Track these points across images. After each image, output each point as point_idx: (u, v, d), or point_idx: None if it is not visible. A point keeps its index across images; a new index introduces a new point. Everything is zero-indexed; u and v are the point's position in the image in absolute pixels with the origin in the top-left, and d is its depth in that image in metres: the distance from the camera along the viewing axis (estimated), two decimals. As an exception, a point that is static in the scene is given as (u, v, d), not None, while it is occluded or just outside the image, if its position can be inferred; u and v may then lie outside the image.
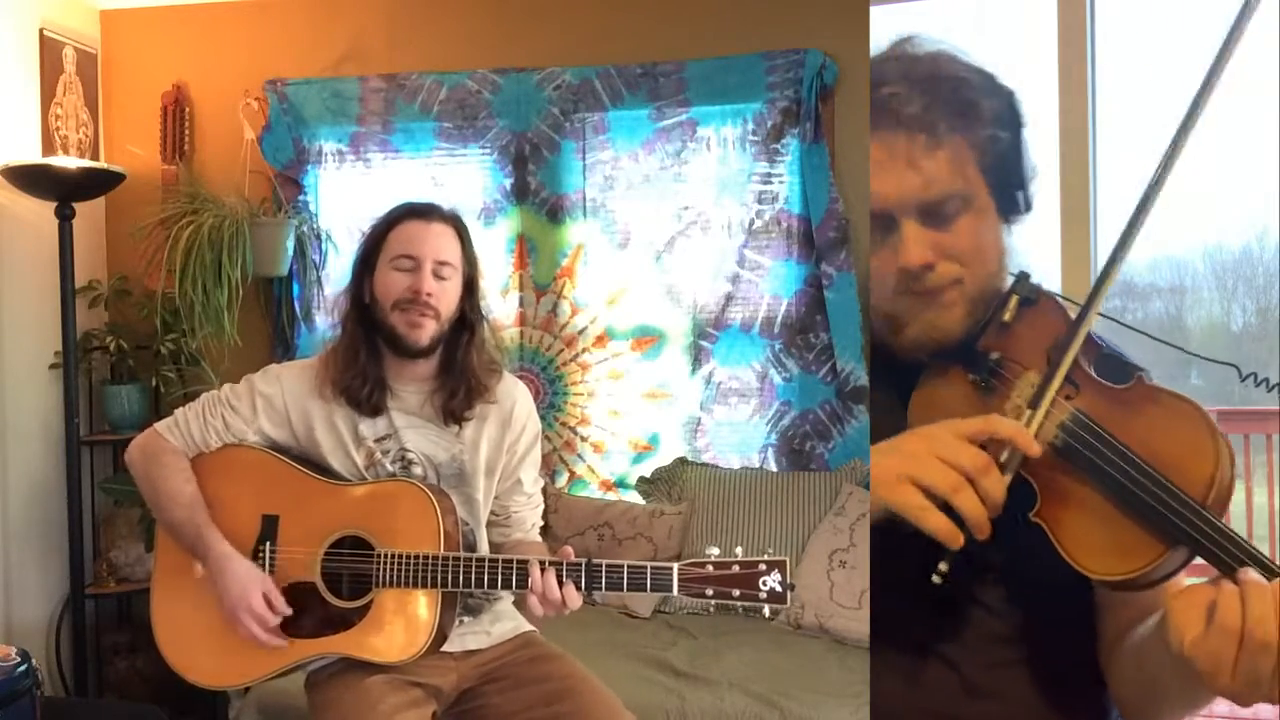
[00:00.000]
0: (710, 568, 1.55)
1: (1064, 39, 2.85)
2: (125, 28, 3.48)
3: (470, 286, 1.79)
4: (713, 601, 1.56)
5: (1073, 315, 1.17)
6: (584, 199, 3.26)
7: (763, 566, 1.54)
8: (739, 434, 3.21)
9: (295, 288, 3.35)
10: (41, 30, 3.18)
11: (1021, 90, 1.25)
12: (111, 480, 3.19)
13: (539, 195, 3.27)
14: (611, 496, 3.24)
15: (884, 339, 1.28)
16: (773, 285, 3.15)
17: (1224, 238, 3.10)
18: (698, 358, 3.21)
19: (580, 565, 1.59)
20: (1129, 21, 2.86)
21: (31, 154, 3.07)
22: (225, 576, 1.67)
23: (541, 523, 1.96)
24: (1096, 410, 1.13)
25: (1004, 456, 1.10)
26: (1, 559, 3.03)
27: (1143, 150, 2.75)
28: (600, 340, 3.27)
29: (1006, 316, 1.21)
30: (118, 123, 3.48)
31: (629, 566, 1.58)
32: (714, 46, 3.14)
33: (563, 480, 3.29)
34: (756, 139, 3.14)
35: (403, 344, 1.73)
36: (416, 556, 1.65)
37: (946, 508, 1.06)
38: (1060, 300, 1.21)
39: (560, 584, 1.59)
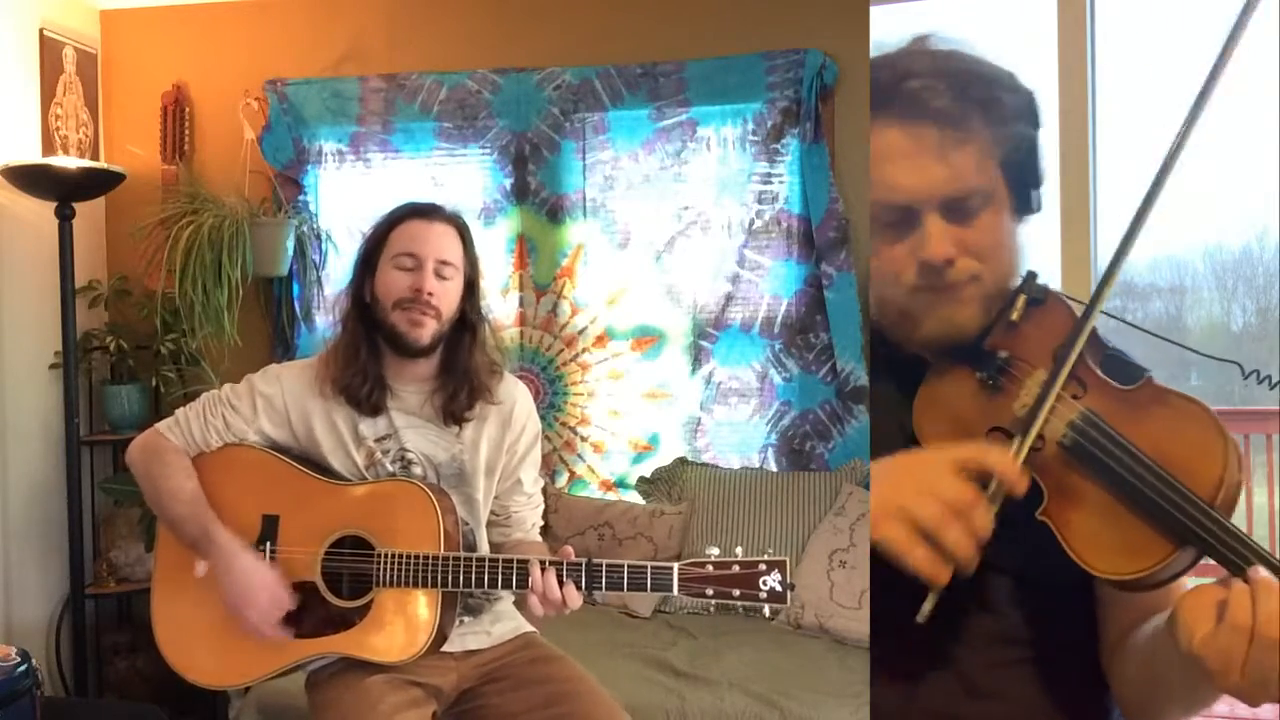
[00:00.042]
0: (710, 567, 1.55)
1: (1064, 39, 2.85)
2: (125, 28, 3.48)
3: (471, 287, 1.79)
4: (713, 601, 1.56)
5: (1079, 315, 1.18)
6: (584, 199, 3.26)
7: (763, 566, 1.54)
8: (739, 434, 3.21)
9: (295, 288, 3.35)
10: (41, 30, 3.18)
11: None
12: (111, 480, 3.19)
13: (539, 195, 3.27)
14: (611, 496, 3.24)
15: (894, 334, 1.28)
16: (773, 285, 3.15)
17: (1224, 238, 3.10)
18: (698, 358, 3.21)
19: (580, 565, 1.59)
20: (1129, 21, 2.86)
21: (31, 154, 3.07)
22: (232, 569, 1.67)
23: (542, 523, 1.96)
24: (1104, 410, 1.13)
25: (991, 488, 1.09)
26: (1, 559, 3.03)
27: (1143, 150, 2.75)
28: (600, 340, 3.28)
29: (1014, 316, 1.21)
30: (118, 123, 3.48)
31: (629, 566, 1.58)
32: (714, 46, 3.14)
33: (563, 480, 3.29)
34: (756, 139, 3.14)
35: (403, 343, 1.73)
36: (417, 556, 1.65)
37: (934, 541, 1.06)
38: (1068, 300, 1.21)
39: (560, 584, 1.59)
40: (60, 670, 3.15)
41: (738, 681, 2.35)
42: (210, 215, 3.10)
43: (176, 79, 3.42)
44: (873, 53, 1.26)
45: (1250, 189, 2.57)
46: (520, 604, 1.83)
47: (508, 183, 3.30)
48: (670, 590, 1.56)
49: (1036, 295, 1.21)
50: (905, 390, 1.26)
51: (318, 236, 3.36)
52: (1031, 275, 1.22)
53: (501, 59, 3.28)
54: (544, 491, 2.02)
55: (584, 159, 3.26)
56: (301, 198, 3.36)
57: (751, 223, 3.15)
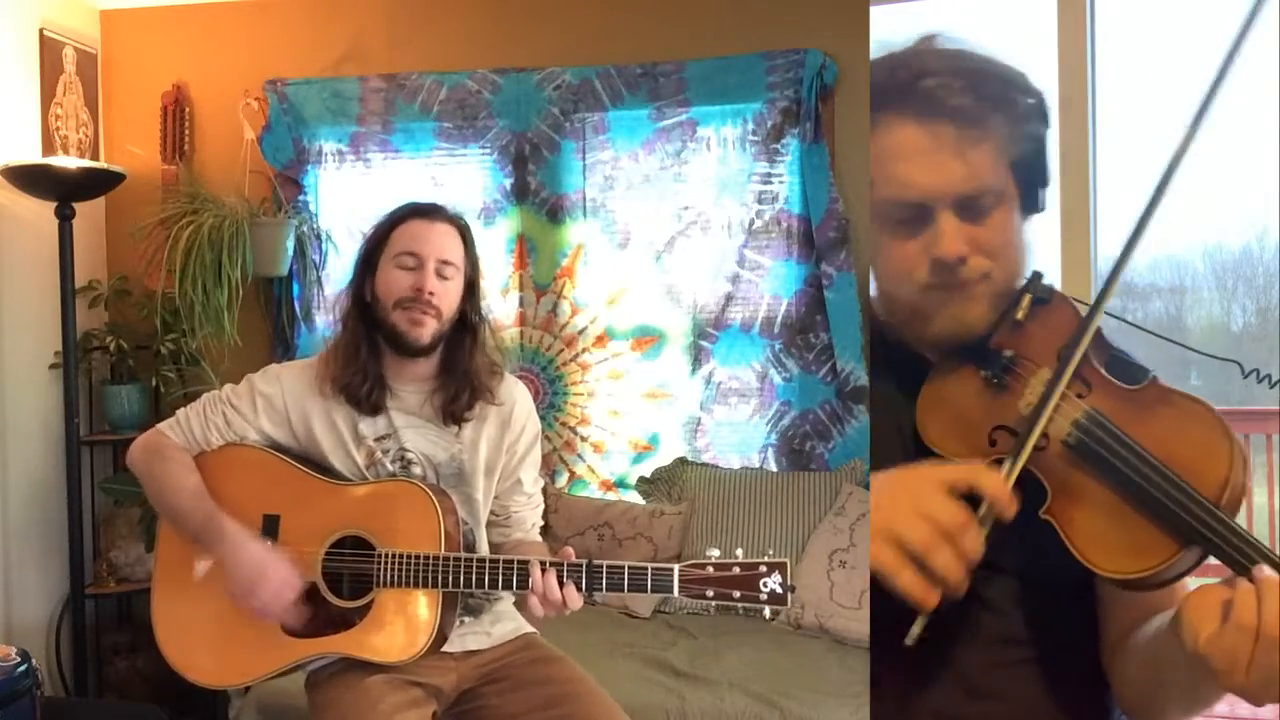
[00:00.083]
0: (711, 569, 1.55)
1: (1064, 39, 2.85)
2: (125, 28, 3.48)
3: (472, 288, 1.79)
4: (713, 603, 1.56)
5: (1084, 315, 1.18)
6: (584, 199, 3.26)
7: (763, 568, 1.54)
8: (739, 434, 3.21)
9: (295, 288, 3.35)
10: (41, 30, 3.18)
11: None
12: (111, 480, 3.19)
13: (539, 195, 3.27)
14: (611, 496, 3.24)
15: (902, 333, 1.28)
16: (773, 285, 3.15)
17: (1224, 238, 3.10)
18: (698, 358, 3.21)
19: (581, 566, 1.59)
20: (1129, 21, 2.86)
21: (31, 154, 3.07)
22: (239, 555, 1.67)
23: (542, 523, 1.96)
24: (1109, 410, 1.13)
25: (982, 511, 1.09)
26: (1, 559, 3.03)
27: (1143, 150, 2.75)
28: (600, 340, 3.28)
29: (1019, 315, 1.21)
30: (118, 123, 3.48)
31: (629, 567, 1.58)
32: (714, 46, 3.14)
33: (563, 480, 3.29)
34: (756, 139, 3.14)
35: (403, 342, 1.73)
36: (417, 557, 1.65)
37: (923, 564, 1.06)
38: (1073, 301, 1.22)
39: (561, 585, 1.59)
40: (60, 670, 3.15)
41: (738, 681, 2.35)
42: (210, 215, 3.10)
43: (176, 79, 3.42)
44: (877, 52, 1.25)
45: (1250, 189, 2.57)
46: (520, 605, 1.83)
47: (508, 183, 3.30)
48: (671, 592, 1.56)
49: (1042, 295, 1.21)
50: (906, 389, 1.26)
51: (318, 236, 3.36)
52: (1037, 275, 1.23)
53: (501, 59, 3.28)
54: (544, 491, 2.02)
55: (584, 159, 3.26)
56: (301, 198, 3.36)
57: (751, 223, 3.15)
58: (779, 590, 1.54)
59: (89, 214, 3.24)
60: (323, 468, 1.77)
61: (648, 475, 3.21)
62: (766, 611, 1.55)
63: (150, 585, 1.80)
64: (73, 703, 2.87)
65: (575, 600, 1.59)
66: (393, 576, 1.65)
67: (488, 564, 1.64)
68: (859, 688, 2.30)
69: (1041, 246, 1.27)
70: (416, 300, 1.71)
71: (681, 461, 3.17)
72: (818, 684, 2.35)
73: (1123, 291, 2.94)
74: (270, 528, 1.73)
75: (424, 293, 1.71)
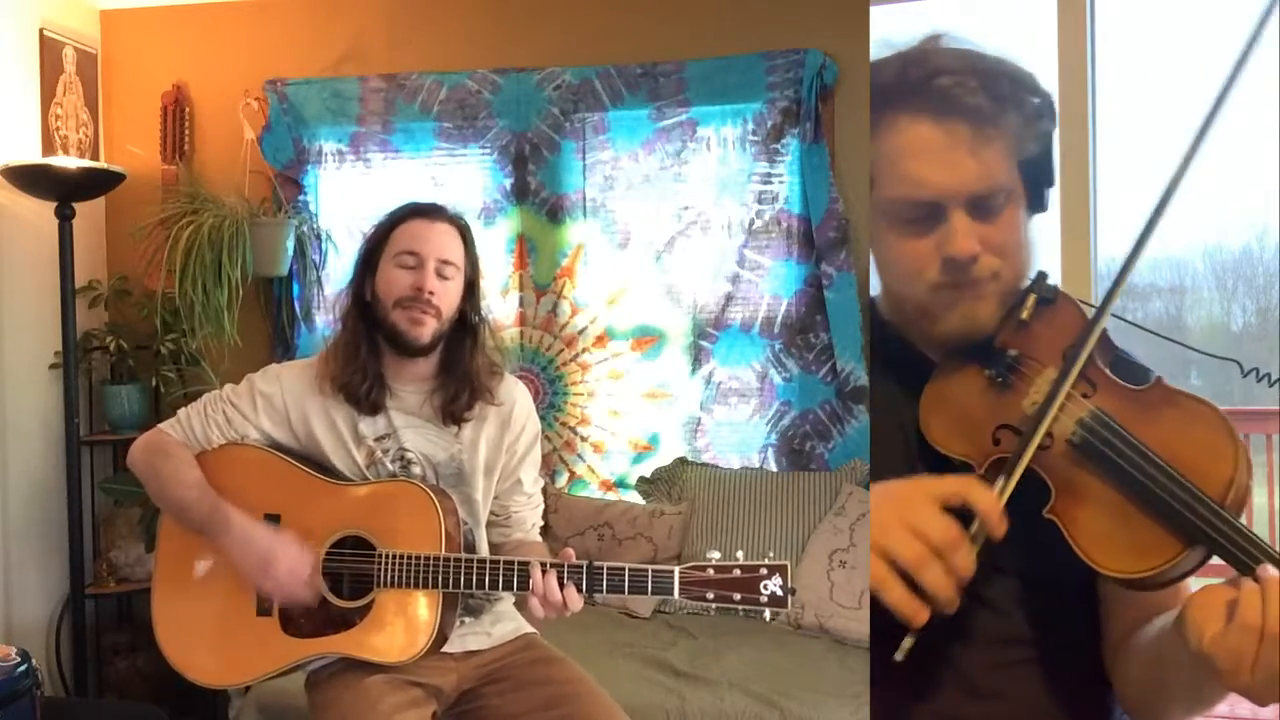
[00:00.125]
0: (711, 571, 1.55)
1: (1064, 39, 2.85)
2: (125, 28, 3.48)
3: (472, 288, 1.80)
4: (714, 605, 1.56)
5: (1090, 316, 1.18)
6: (584, 199, 3.26)
7: (764, 571, 1.54)
8: (739, 434, 3.21)
9: (295, 288, 3.35)
10: (41, 30, 3.18)
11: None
12: (111, 480, 3.19)
13: (539, 195, 3.27)
14: (611, 496, 3.24)
15: (908, 331, 1.28)
16: (773, 285, 3.15)
17: (1224, 238, 3.10)
18: (698, 358, 3.21)
19: (581, 568, 1.59)
20: (1129, 21, 2.86)
21: (31, 154, 3.07)
22: (249, 539, 1.67)
23: (541, 523, 1.96)
24: (1114, 410, 1.13)
25: (974, 528, 1.09)
26: (1, 559, 3.03)
27: (1143, 150, 2.75)
28: (600, 340, 3.27)
29: (1024, 315, 1.21)
30: (118, 123, 3.48)
31: (630, 569, 1.58)
32: (714, 46, 3.14)
33: (563, 480, 3.29)
34: (756, 139, 3.14)
35: (403, 341, 1.73)
36: (418, 557, 1.65)
37: (913, 580, 1.06)
38: (1078, 302, 1.22)
39: (561, 586, 1.59)
40: (60, 670, 3.15)
41: (738, 681, 2.35)
42: (210, 215, 3.10)
43: (176, 79, 3.42)
44: (878, 51, 1.25)
45: (1250, 189, 2.57)
46: (521, 605, 1.83)
47: (508, 183, 3.30)
48: (671, 594, 1.56)
49: (1046, 295, 1.22)
50: (907, 389, 1.26)
51: (318, 236, 3.36)
52: (1042, 275, 1.23)
53: (501, 59, 3.28)
54: (544, 491, 2.02)
55: (584, 159, 3.26)
56: (301, 198, 3.36)
57: (751, 223, 3.15)
58: (779, 593, 1.54)
59: (89, 214, 3.24)
60: (324, 468, 1.77)
61: (648, 475, 3.21)
62: (767, 614, 1.55)
63: (150, 585, 1.80)
64: (73, 703, 2.87)
65: (575, 602, 1.59)
66: (393, 577, 1.65)
67: (488, 565, 1.64)
68: (859, 688, 2.30)
69: (1041, 246, 1.27)
70: (416, 299, 1.71)
71: (681, 461, 3.17)
72: (818, 684, 2.35)
73: (1123, 292, 2.93)
74: (271, 528, 1.73)
75: (424, 292, 1.71)
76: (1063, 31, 2.85)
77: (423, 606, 1.66)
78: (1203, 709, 1.15)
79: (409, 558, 1.65)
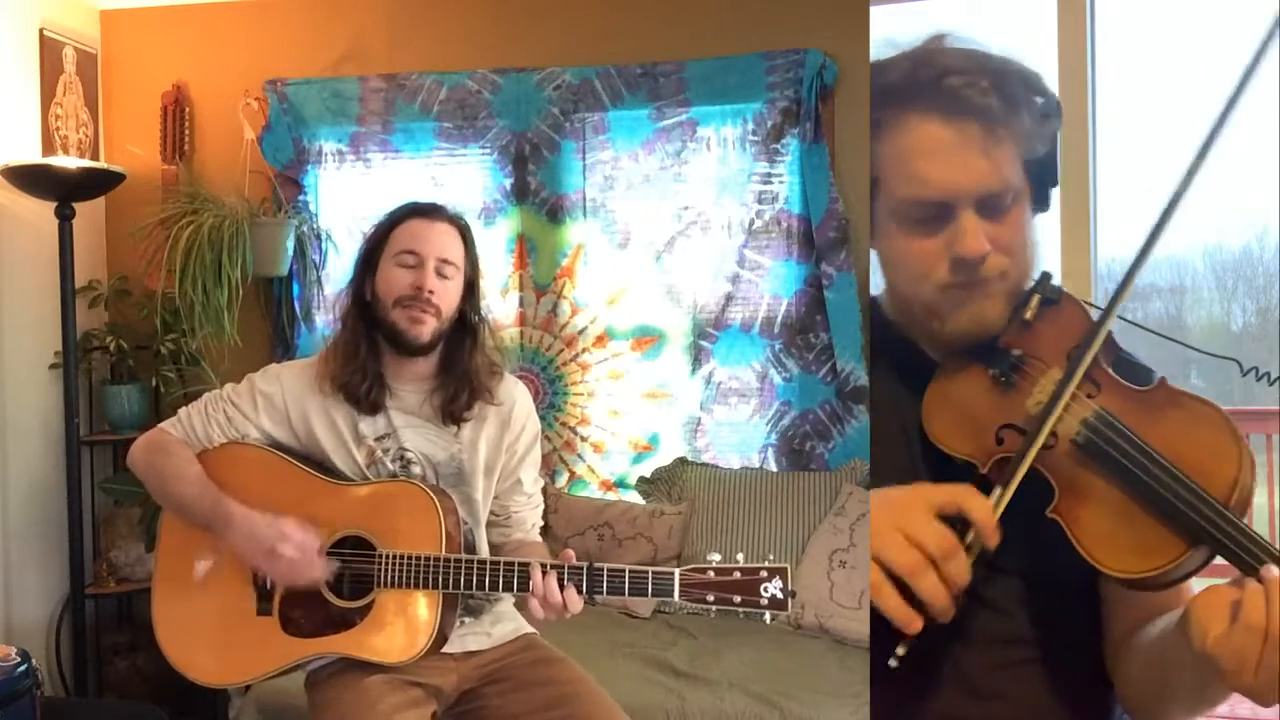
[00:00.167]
0: (712, 574, 1.55)
1: (1064, 39, 2.85)
2: (125, 28, 3.48)
3: (472, 288, 1.80)
4: (714, 608, 1.56)
5: (1093, 317, 1.18)
6: (584, 199, 3.26)
7: (764, 573, 1.54)
8: (739, 434, 3.21)
9: (295, 288, 3.35)
10: (41, 30, 3.18)
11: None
12: (111, 480, 3.19)
13: (539, 195, 3.27)
14: (611, 496, 3.24)
15: (914, 330, 1.28)
16: (773, 285, 3.15)
17: (1224, 238, 3.10)
18: (698, 358, 3.21)
19: (581, 569, 1.59)
20: (1129, 22, 2.86)
21: (31, 154, 3.07)
22: (254, 528, 1.66)
23: (541, 523, 1.96)
24: (1118, 410, 1.13)
25: (969, 537, 1.09)
26: (1, 559, 3.03)
27: (1142, 150, 2.75)
28: (600, 340, 3.27)
29: (1028, 315, 1.22)
30: (118, 123, 3.48)
31: (630, 571, 1.58)
32: (714, 46, 3.14)
33: (563, 480, 3.29)
34: (756, 139, 3.14)
35: (403, 340, 1.73)
36: (418, 558, 1.65)
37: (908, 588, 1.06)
38: (1081, 303, 1.22)
39: (561, 588, 1.59)
40: (60, 670, 3.15)
41: (738, 681, 2.35)
42: (210, 215, 3.10)
43: (176, 79, 3.42)
44: (880, 51, 1.25)
45: (1250, 189, 2.57)
46: (521, 606, 1.83)
47: (508, 183, 3.30)
48: (671, 596, 1.56)
49: (1051, 295, 1.22)
50: (909, 388, 1.26)
51: (318, 236, 3.36)
52: (1046, 276, 1.23)
53: (501, 59, 3.28)
54: (544, 491, 2.02)
55: (584, 159, 3.26)
56: (301, 198, 3.36)
57: (751, 223, 3.15)
58: (780, 595, 1.53)
59: (89, 214, 3.24)
60: (324, 467, 1.77)
61: (648, 475, 3.21)
62: (767, 617, 1.55)
63: (150, 585, 1.80)
64: (73, 703, 2.87)
65: (575, 603, 1.59)
66: (393, 577, 1.65)
67: (488, 566, 1.64)
68: (859, 688, 2.30)
69: (1041, 246, 1.27)
70: (416, 298, 1.71)
71: (681, 461, 3.17)
72: (818, 684, 2.35)
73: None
74: (271, 528, 1.73)
75: (424, 291, 1.71)
76: (1063, 31, 2.85)
77: (423, 607, 1.66)
78: (1205, 709, 1.15)
79: (409, 558, 1.65)
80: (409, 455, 1.77)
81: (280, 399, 1.78)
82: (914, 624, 1.06)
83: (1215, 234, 3.07)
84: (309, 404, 1.78)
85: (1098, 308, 1.19)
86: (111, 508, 3.28)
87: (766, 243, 3.15)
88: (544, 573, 1.59)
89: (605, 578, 1.58)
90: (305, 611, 1.70)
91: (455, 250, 1.76)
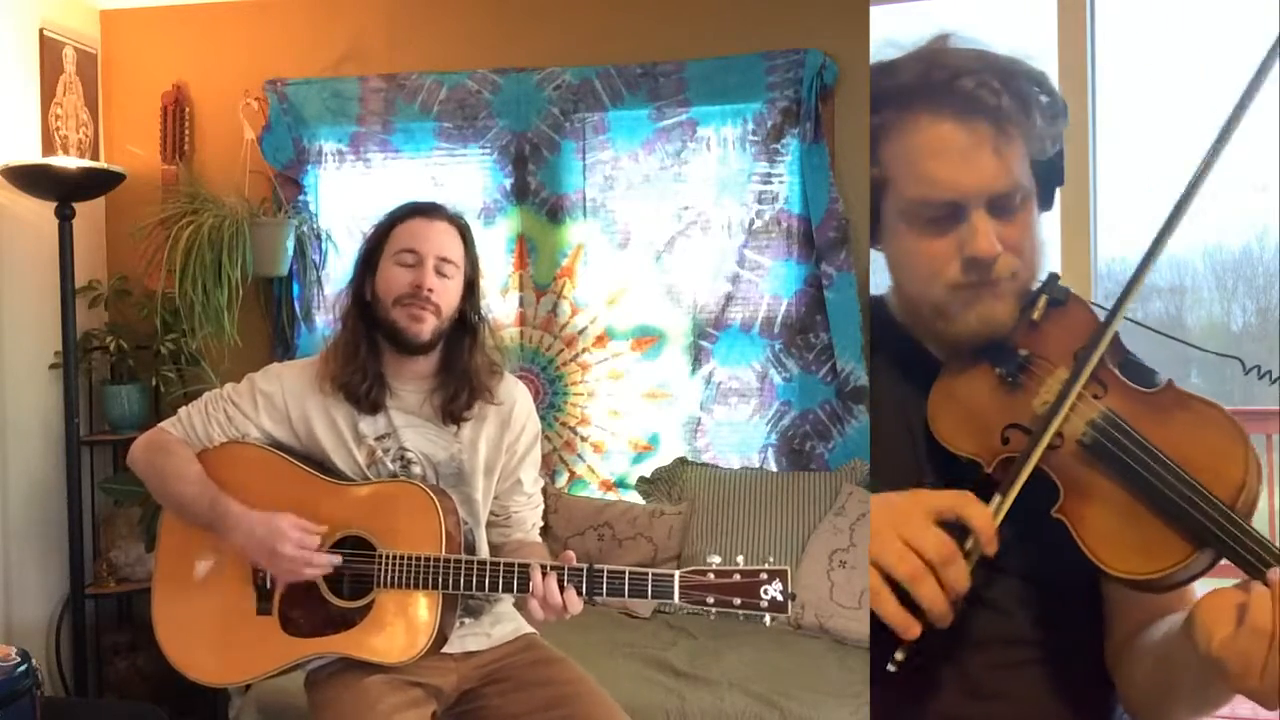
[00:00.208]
0: (712, 576, 1.55)
1: (1064, 39, 2.85)
2: (125, 28, 3.48)
3: (471, 287, 1.80)
4: (714, 609, 1.56)
5: (1100, 318, 1.19)
6: (584, 199, 3.26)
7: (764, 575, 1.54)
8: (739, 434, 3.21)
9: (295, 288, 3.35)
10: (41, 30, 3.18)
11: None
12: (111, 480, 3.19)
13: (539, 195, 3.27)
14: (611, 496, 3.24)
15: (922, 330, 1.28)
16: (773, 285, 3.15)
17: (1224, 238, 3.10)
18: (698, 358, 3.21)
19: (581, 571, 1.59)
20: (1129, 21, 2.86)
21: (31, 154, 3.07)
22: (252, 527, 1.67)
23: (541, 523, 1.96)
24: (1125, 411, 1.13)
25: (969, 544, 1.09)
26: (1, 559, 3.03)
27: (1143, 150, 2.75)
28: (600, 340, 3.27)
29: (1035, 315, 1.22)
30: (118, 123, 3.48)
31: (630, 573, 1.58)
32: (714, 46, 3.14)
33: (563, 480, 3.29)
34: (756, 139, 3.14)
35: (403, 338, 1.73)
36: (418, 558, 1.65)
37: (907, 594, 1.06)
38: (1088, 304, 1.22)
39: (561, 589, 1.59)
40: (60, 670, 3.15)
41: (738, 681, 2.35)
42: (210, 215, 3.10)
43: (176, 79, 3.42)
44: (885, 51, 1.25)
45: (1250, 189, 2.57)
46: (520, 606, 1.83)
47: (508, 183, 3.30)
48: (671, 598, 1.56)
49: (1058, 296, 1.22)
50: (914, 387, 1.26)
51: (318, 236, 3.36)
52: (1054, 276, 1.24)
53: (501, 59, 3.28)
54: (544, 491, 2.02)
55: (584, 159, 3.26)
56: (301, 198, 3.36)
57: (751, 223, 3.15)
58: (779, 598, 1.54)
59: (89, 214, 3.24)
60: (324, 467, 1.77)
61: (648, 475, 3.21)
62: (766, 619, 1.55)
63: (150, 584, 1.80)
64: (73, 703, 2.87)
65: (575, 605, 1.59)
66: (393, 578, 1.65)
67: (488, 566, 1.64)
68: (859, 688, 2.30)
69: (1048, 246, 1.28)
70: (415, 297, 1.71)
71: (681, 461, 3.17)
72: (818, 684, 2.35)
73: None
74: (271, 528, 1.73)
75: (423, 289, 1.71)
76: (1063, 31, 2.85)
77: (422, 607, 1.66)
78: (1208, 711, 1.15)
79: (409, 558, 1.65)
80: (409, 455, 1.77)
81: (281, 398, 1.78)
82: (912, 630, 1.06)
83: (1215, 234, 3.06)
84: (309, 403, 1.78)
85: (1104, 309, 1.19)
86: (111, 508, 3.28)
87: (766, 243, 3.15)
88: (544, 574, 1.59)
89: (605, 579, 1.58)
90: (305, 611, 1.70)
91: (454, 249, 1.76)
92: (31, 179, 2.92)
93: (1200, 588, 1.08)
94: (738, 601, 1.54)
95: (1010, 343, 1.22)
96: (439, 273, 1.73)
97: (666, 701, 2.28)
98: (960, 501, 1.10)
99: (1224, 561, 1.07)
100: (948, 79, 1.19)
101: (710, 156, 3.18)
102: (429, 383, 1.80)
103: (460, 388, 1.77)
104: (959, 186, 1.18)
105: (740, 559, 1.57)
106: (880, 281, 1.34)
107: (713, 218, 3.18)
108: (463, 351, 1.78)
